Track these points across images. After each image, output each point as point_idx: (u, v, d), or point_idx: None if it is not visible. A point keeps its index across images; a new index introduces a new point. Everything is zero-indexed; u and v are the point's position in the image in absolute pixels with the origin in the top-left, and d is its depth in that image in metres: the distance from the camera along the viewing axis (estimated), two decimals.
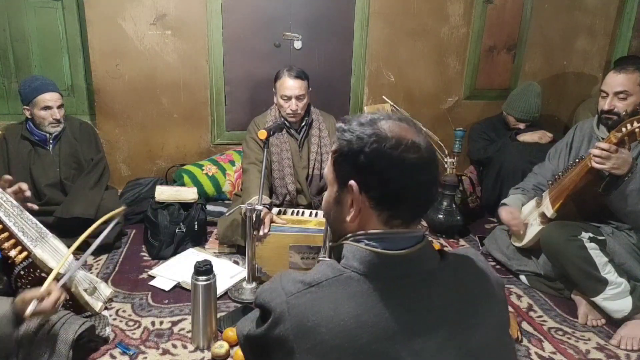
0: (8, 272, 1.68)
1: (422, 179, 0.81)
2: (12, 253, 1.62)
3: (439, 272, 0.84)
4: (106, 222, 1.70)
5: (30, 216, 1.74)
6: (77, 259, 1.75)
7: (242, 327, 0.95)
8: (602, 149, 1.77)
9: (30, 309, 1.31)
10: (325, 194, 0.93)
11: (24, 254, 1.63)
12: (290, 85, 2.31)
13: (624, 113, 1.91)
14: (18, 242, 1.63)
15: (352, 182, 0.83)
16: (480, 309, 0.84)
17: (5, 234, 1.62)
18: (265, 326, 0.82)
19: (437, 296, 0.81)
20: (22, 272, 1.66)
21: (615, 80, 1.93)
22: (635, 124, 1.69)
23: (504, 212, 2.24)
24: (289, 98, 2.32)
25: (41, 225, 1.76)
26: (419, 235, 0.85)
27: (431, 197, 0.85)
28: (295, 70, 2.34)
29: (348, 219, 0.86)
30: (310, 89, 2.41)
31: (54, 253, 1.72)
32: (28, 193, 1.79)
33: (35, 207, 1.81)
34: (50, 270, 1.64)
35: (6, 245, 1.61)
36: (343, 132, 0.86)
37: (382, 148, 0.80)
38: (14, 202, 1.71)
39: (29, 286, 1.70)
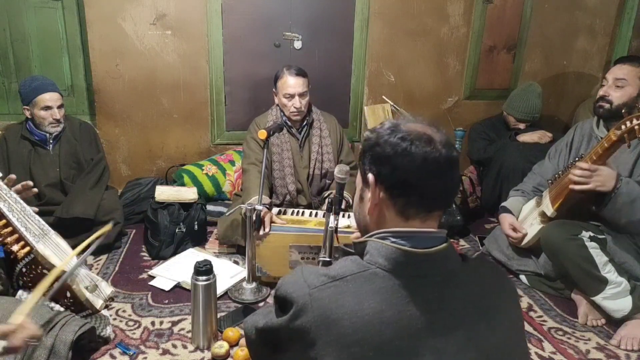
0: (10, 269, 1.68)
1: (431, 169, 0.83)
2: (15, 248, 1.62)
3: (460, 273, 0.85)
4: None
5: (33, 213, 1.75)
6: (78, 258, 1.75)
7: (254, 321, 0.96)
8: (583, 169, 1.80)
9: None
10: (355, 195, 0.98)
11: (27, 249, 1.64)
12: (293, 83, 2.31)
13: (617, 103, 1.93)
14: (21, 237, 1.64)
15: (369, 174, 0.88)
16: (499, 311, 0.85)
17: (9, 229, 1.63)
18: (286, 317, 0.83)
19: (459, 297, 0.83)
20: (24, 270, 1.66)
21: (619, 69, 1.98)
22: (635, 121, 1.69)
23: (506, 226, 2.23)
24: (292, 96, 2.33)
25: (44, 222, 1.77)
26: (443, 236, 0.87)
27: (446, 191, 0.87)
28: (295, 68, 2.35)
29: (367, 211, 0.90)
30: (309, 86, 2.41)
31: (56, 250, 1.73)
32: (34, 191, 1.78)
33: (36, 209, 1.81)
34: (52, 266, 1.64)
35: (9, 239, 1.62)
36: (369, 134, 0.91)
37: (393, 138, 0.85)
38: (18, 198, 1.72)
39: (30, 284, 1.70)
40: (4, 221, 1.62)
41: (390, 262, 0.82)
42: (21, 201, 1.72)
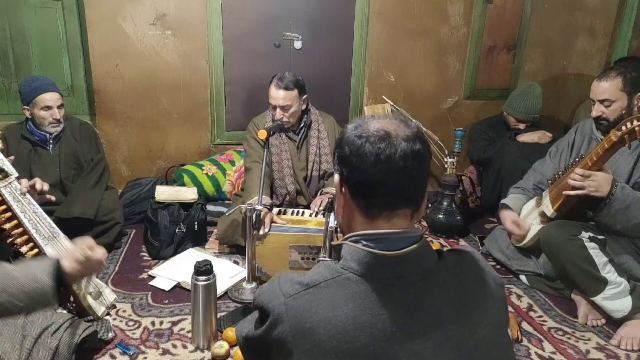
0: None
1: (387, 167, 0.80)
2: (24, 249, 1.64)
3: (436, 272, 0.84)
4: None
5: (45, 215, 1.76)
6: None
7: (241, 329, 0.95)
8: (578, 174, 1.82)
9: (83, 252, 1.25)
10: None
11: (35, 250, 1.66)
12: (275, 95, 2.28)
13: (614, 117, 1.94)
14: (30, 239, 1.66)
15: (336, 175, 0.87)
16: (478, 309, 0.84)
17: (20, 230, 1.65)
18: (264, 327, 0.83)
19: (435, 296, 0.81)
20: None
21: (598, 89, 1.98)
22: (635, 122, 1.69)
23: (508, 221, 2.22)
24: (275, 107, 2.32)
25: (54, 225, 1.78)
26: (417, 235, 0.85)
27: (407, 187, 0.83)
28: (286, 80, 2.28)
29: (338, 211, 0.89)
30: (305, 96, 2.37)
31: (64, 253, 1.73)
32: (46, 186, 1.83)
33: (53, 198, 1.84)
34: None
35: (19, 240, 1.64)
36: (340, 133, 0.89)
37: (352, 136, 0.83)
38: (31, 199, 1.73)
39: None
40: (15, 222, 1.64)
41: (363, 266, 0.80)
42: (34, 202, 1.73)
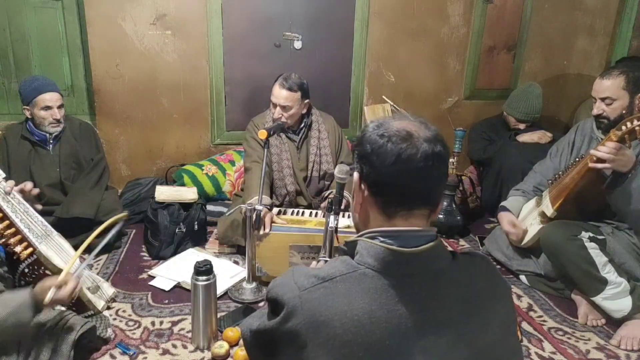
0: (13, 269, 1.69)
1: (406, 167, 0.81)
2: (18, 249, 1.63)
3: (449, 271, 0.85)
4: (110, 226, 1.71)
5: (37, 214, 1.75)
6: (81, 260, 1.75)
7: (249, 323, 0.96)
8: (610, 147, 1.77)
9: (49, 296, 1.34)
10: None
11: (29, 250, 1.65)
12: (278, 94, 2.28)
13: (614, 116, 1.94)
14: (24, 238, 1.65)
15: (355, 173, 0.89)
16: (488, 310, 0.85)
17: (12, 230, 1.64)
18: (277, 320, 0.83)
19: (449, 295, 0.82)
20: (26, 270, 1.67)
21: (600, 87, 1.98)
22: (636, 122, 1.70)
23: (505, 223, 2.23)
24: (275, 105, 2.32)
25: (47, 223, 1.78)
26: (432, 235, 0.87)
27: (425, 188, 0.85)
28: (291, 81, 2.28)
29: (354, 209, 0.90)
30: (307, 100, 2.37)
31: (59, 251, 1.73)
32: (35, 191, 1.80)
33: (39, 206, 1.81)
34: (55, 267, 1.65)
35: (12, 240, 1.63)
36: (361, 131, 0.92)
37: (373, 135, 0.84)
38: (21, 199, 1.72)
39: (33, 284, 1.70)
40: (7, 222, 1.63)
41: (379, 262, 0.81)
42: (24, 202, 1.72)
